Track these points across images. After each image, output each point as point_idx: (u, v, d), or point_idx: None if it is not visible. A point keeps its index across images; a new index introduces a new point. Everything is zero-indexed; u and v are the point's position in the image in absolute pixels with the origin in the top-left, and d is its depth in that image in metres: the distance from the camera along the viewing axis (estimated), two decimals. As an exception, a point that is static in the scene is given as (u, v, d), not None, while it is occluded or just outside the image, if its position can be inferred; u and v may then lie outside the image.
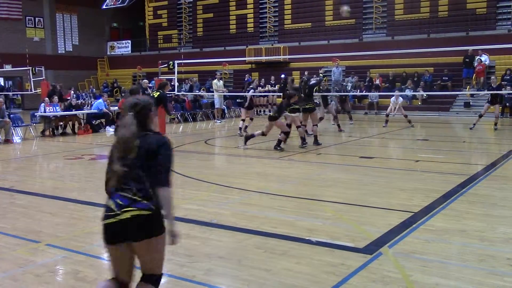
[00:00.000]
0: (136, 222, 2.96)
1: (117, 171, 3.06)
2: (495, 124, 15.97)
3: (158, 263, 3.16)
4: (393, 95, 17.30)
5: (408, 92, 23.01)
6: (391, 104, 16.98)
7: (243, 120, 15.23)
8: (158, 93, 11.65)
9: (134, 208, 2.97)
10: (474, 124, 15.87)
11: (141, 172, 3.06)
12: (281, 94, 14.71)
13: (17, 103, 32.41)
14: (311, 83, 13.56)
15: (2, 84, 31.45)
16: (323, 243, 5.07)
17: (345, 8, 14.80)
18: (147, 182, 3.07)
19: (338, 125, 15.78)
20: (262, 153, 11.89)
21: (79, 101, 22.94)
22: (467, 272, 4.30)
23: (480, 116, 16.04)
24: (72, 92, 25.00)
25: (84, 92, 30.08)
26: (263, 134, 12.04)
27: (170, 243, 3.19)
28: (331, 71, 25.37)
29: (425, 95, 22.69)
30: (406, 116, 16.77)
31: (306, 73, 21.28)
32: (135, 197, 3.01)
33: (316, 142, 12.45)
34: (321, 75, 18.30)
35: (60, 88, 24.00)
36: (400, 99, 17.04)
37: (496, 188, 7.62)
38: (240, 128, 15.01)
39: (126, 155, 3.06)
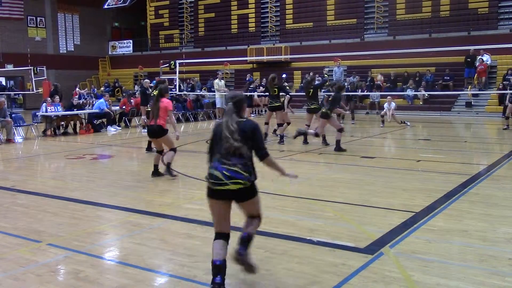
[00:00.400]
0: (242, 191, 3.96)
1: (222, 148, 3.94)
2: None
3: (258, 210, 4.26)
4: (395, 94, 17.35)
5: (410, 92, 23.00)
6: (385, 109, 17.20)
7: None
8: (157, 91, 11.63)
9: (240, 180, 3.88)
10: (508, 126, 15.74)
11: (241, 150, 3.92)
12: (267, 94, 14.62)
13: (18, 103, 32.45)
14: (316, 84, 13.56)
15: (4, 84, 31.48)
16: (324, 243, 5.07)
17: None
18: (246, 158, 3.96)
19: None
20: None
21: (81, 101, 22.96)
22: (468, 272, 4.29)
23: (507, 117, 15.93)
24: (78, 89, 25.08)
25: (85, 91, 30.11)
26: (317, 135, 11.77)
27: (295, 177, 4.75)
28: (332, 70, 25.37)
29: (426, 94, 22.67)
30: (399, 122, 16.98)
31: (311, 73, 21.22)
32: (239, 170, 3.88)
33: (324, 142, 12.45)
34: (325, 75, 18.35)
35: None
36: (393, 104, 17.16)
37: (498, 188, 7.60)
38: None
39: (229, 136, 3.92)
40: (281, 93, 13.30)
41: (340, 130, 11.53)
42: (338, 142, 11.38)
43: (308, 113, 12.74)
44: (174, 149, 8.73)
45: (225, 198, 4.00)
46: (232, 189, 3.91)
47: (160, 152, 8.83)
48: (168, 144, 8.72)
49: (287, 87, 14.35)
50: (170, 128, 8.68)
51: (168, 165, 8.58)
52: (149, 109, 11.69)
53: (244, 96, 4.36)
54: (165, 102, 8.48)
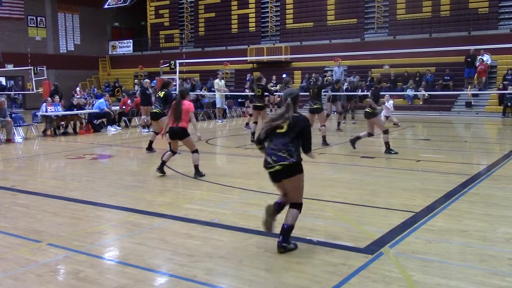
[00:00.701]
0: (285, 170, 4.82)
1: (273, 137, 4.91)
2: None
3: (298, 194, 5.00)
4: (395, 94, 17.34)
5: (410, 92, 23.00)
6: (383, 108, 17.14)
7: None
8: (163, 92, 11.64)
9: (285, 163, 4.79)
10: None
11: (289, 139, 4.83)
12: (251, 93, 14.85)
13: (18, 103, 32.45)
14: (324, 83, 13.62)
15: (4, 84, 31.47)
16: (324, 243, 5.07)
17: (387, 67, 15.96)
18: (292, 146, 4.83)
19: (339, 123, 16.16)
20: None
21: (85, 100, 22.92)
22: (468, 272, 4.30)
23: None
24: (78, 89, 25.11)
25: (86, 91, 30.13)
26: (370, 134, 11.39)
27: (314, 158, 5.46)
28: (332, 70, 25.38)
29: (426, 94, 22.67)
30: (395, 124, 16.95)
31: (313, 74, 21.12)
32: (284, 155, 4.80)
33: (324, 142, 12.48)
34: (329, 78, 18.46)
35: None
36: (391, 102, 16.85)
37: (498, 188, 7.61)
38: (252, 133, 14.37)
39: (281, 127, 4.86)
40: (265, 94, 13.77)
41: (386, 131, 11.23)
42: (387, 144, 11.04)
43: (310, 113, 12.73)
44: (196, 151, 8.79)
45: (277, 179, 4.93)
46: (277, 169, 4.82)
47: (174, 152, 8.92)
48: (190, 146, 8.77)
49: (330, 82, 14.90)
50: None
51: (196, 167, 8.75)
52: (153, 109, 11.78)
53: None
54: (187, 104, 8.60)
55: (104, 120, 18.06)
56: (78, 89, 26.60)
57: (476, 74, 22.58)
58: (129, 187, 8.10)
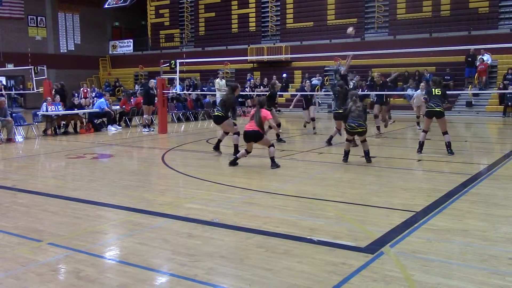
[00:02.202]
0: (363, 130, 9.56)
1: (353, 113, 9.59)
2: None
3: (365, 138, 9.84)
4: (396, 93, 17.28)
5: (410, 92, 22.98)
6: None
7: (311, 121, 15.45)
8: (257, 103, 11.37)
9: (363, 126, 9.52)
10: None
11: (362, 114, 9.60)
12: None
13: (19, 102, 32.44)
14: (349, 88, 13.22)
15: (4, 83, 31.47)
16: (324, 242, 5.07)
17: (350, 29, 15.29)
18: (363, 118, 9.56)
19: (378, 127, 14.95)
20: (264, 152, 11.89)
21: (93, 99, 22.86)
22: (469, 271, 4.29)
23: None
24: (83, 88, 25.12)
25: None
26: (425, 131, 11.08)
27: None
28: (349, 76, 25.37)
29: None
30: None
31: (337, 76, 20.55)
32: (361, 122, 9.50)
33: (329, 141, 12.57)
34: (354, 81, 18.18)
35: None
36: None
37: (498, 187, 7.61)
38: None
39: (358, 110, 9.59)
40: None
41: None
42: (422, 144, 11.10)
43: (337, 120, 12.40)
44: (272, 145, 9.71)
45: (353, 134, 9.52)
46: (359, 130, 9.46)
47: (248, 152, 9.71)
48: (266, 143, 9.62)
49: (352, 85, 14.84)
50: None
51: (272, 159, 9.50)
52: (215, 113, 11.54)
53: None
54: (264, 112, 9.62)
55: (105, 119, 18.07)
56: (84, 89, 26.60)
57: (476, 74, 22.59)
58: (129, 186, 8.10)
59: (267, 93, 13.52)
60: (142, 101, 18.10)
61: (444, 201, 6.68)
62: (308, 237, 5.23)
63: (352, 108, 9.72)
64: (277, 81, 15.57)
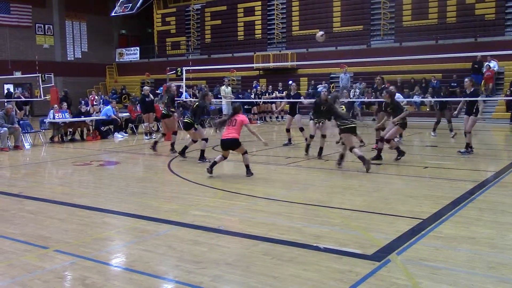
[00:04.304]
0: (355, 125, 9.87)
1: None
2: None
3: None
4: (405, 100, 17.17)
5: (417, 98, 22.93)
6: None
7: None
8: (197, 104, 11.79)
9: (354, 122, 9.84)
10: None
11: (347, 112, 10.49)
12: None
13: (26, 112, 32.54)
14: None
15: (12, 91, 31.65)
16: (331, 249, 5.05)
17: (319, 35, 13.65)
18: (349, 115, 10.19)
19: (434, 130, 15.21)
20: (269, 159, 11.89)
21: (99, 107, 22.95)
22: (476, 279, 4.26)
23: None
24: (91, 96, 25.24)
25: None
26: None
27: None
28: (338, 77, 25.36)
29: (433, 101, 22.59)
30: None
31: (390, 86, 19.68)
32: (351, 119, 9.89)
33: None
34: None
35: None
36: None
37: (506, 194, 7.56)
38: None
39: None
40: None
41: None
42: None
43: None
44: (246, 152, 9.54)
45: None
46: (353, 126, 9.75)
47: (225, 157, 9.60)
48: (241, 151, 9.47)
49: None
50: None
51: (247, 166, 9.43)
52: (184, 119, 11.83)
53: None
54: (241, 117, 9.45)
55: (111, 126, 18.12)
56: (92, 96, 26.72)
57: (483, 81, 22.50)
58: (135, 193, 8.11)
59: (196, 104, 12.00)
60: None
61: (451, 209, 6.64)
62: (314, 245, 5.21)
63: (338, 110, 9.92)
64: (209, 93, 14.52)
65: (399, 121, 10.74)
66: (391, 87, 13.36)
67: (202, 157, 11.24)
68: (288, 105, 14.56)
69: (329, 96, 10.90)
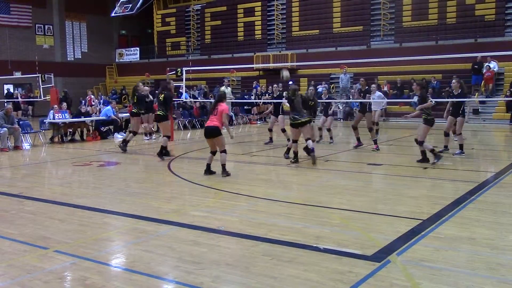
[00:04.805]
0: (306, 121, 10.42)
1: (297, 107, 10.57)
2: None
3: (310, 134, 10.73)
4: (402, 101, 17.21)
5: (416, 99, 22.91)
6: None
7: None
8: (163, 94, 11.98)
9: (305, 117, 10.40)
10: None
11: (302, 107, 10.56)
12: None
13: (25, 111, 32.57)
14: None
15: (12, 91, 31.68)
16: (331, 250, 5.05)
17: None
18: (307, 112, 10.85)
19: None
20: (270, 160, 11.90)
21: (99, 107, 23.01)
22: (476, 280, 4.26)
23: None
24: (92, 96, 25.28)
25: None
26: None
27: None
28: (338, 77, 25.39)
29: (433, 102, 22.58)
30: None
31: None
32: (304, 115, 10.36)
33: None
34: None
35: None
36: (378, 93, 16.01)
37: (506, 195, 7.56)
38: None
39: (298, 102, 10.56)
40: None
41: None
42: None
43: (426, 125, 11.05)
44: (225, 151, 9.50)
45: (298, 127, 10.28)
46: (303, 121, 10.18)
47: (213, 153, 9.60)
48: (220, 145, 9.45)
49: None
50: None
51: (223, 166, 9.40)
52: (157, 112, 11.96)
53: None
54: (223, 106, 9.47)
55: (111, 127, 18.12)
56: (89, 96, 26.74)
57: (483, 81, 22.51)
58: (136, 194, 8.11)
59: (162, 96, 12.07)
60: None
61: (451, 209, 6.64)
62: (314, 245, 5.21)
63: (295, 102, 10.51)
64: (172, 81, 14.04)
65: (425, 115, 10.53)
66: (373, 85, 14.11)
67: (161, 154, 11.57)
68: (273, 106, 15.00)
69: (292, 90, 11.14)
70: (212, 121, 9.36)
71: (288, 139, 12.73)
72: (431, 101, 10.70)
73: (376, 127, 14.43)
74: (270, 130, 14.72)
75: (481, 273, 4.42)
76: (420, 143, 10.38)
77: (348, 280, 4.27)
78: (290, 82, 22.87)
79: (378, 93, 14.53)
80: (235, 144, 14.30)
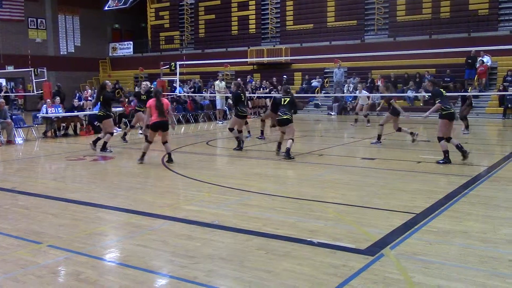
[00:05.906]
0: (287, 118, 10.57)
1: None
2: None
3: (292, 134, 10.70)
4: (396, 95, 17.27)
5: (410, 93, 22.99)
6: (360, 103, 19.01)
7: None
8: (102, 96, 12.33)
9: (287, 114, 10.57)
10: None
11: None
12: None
13: (17, 105, 32.38)
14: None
15: (4, 84, 31.44)
16: (324, 244, 5.07)
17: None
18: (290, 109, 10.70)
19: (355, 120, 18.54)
20: (263, 154, 11.90)
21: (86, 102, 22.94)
22: (469, 273, 4.29)
23: None
24: (89, 91, 25.18)
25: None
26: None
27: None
28: (332, 72, 25.40)
29: (427, 96, 22.65)
30: (366, 115, 18.50)
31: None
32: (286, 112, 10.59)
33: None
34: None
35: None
36: (364, 92, 19.16)
37: (499, 189, 7.61)
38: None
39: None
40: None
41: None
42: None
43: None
44: (167, 141, 10.44)
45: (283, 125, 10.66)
46: (285, 118, 10.45)
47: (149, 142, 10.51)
48: (166, 137, 10.45)
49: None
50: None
51: (169, 155, 10.41)
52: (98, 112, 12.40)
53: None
54: (165, 101, 10.44)
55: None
56: (89, 91, 26.63)
57: (476, 76, 22.59)
58: (129, 188, 8.10)
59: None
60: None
61: (444, 203, 6.68)
62: (308, 239, 5.22)
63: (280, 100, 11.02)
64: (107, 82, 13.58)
65: (440, 110, 10.04)
66: (359, 85, 14.74)
67: (104, 148, 12.15)
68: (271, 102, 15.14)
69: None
70: (160, 117, 10.13)
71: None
72: (439, 103, 10.15)
73: (366, 118, 18.43)
74: (263, 120, 14.87)
75: (474, 266, 4.45)
76: (438, 139, 10.00)
77: (342, 274, 4.29)
78: (284, 77, 22.75)
79: (363, 91, 19.03)
80: (230, 139, 14.27)
